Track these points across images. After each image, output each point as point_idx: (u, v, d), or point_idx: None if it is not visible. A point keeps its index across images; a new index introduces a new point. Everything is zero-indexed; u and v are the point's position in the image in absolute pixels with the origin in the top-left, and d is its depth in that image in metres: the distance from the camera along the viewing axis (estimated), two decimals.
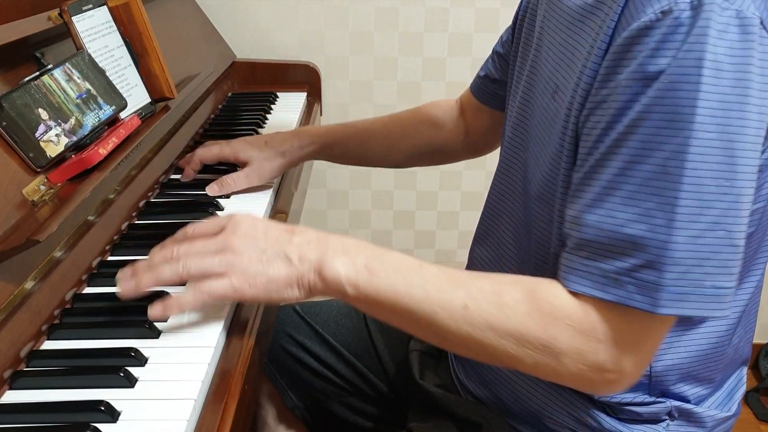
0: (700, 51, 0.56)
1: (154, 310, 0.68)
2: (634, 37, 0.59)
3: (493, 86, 1.02)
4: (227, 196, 1.04)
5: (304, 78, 1.68)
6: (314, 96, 1.66)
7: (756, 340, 2.02)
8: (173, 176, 1.11)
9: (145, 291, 0.69)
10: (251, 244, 0.68)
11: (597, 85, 0.63)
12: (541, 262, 0.78)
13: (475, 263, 0.92)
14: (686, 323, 0.73)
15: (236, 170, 1.05)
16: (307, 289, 0.68)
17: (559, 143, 0.70)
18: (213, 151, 1.07)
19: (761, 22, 0.58)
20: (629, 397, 0.76)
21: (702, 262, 0.59)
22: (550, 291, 0.64)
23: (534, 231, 0.78)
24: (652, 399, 0.76)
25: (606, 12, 0.64)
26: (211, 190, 1.02)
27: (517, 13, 0.92)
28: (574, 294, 0.63)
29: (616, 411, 0.77)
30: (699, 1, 0.57)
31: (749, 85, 0.58)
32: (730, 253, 0.60)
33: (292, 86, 1.65)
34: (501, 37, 1.01)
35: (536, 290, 0.64)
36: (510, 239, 0.84)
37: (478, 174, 1.86)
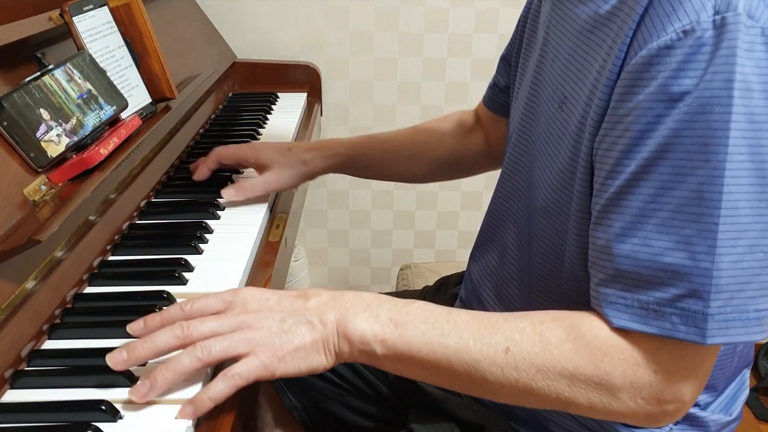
0: (729, 72, 0.55)
1: (185, 413, 0.61)
2: (654, 56, 0.58)
3: (503, 95, 1.01)
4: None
5: (305, 78, 1.69)
6: (314, 96, 1.66)
7: None
8: (174, 176, 1.11)
9: (163, 390, 0.62)
10: (268, 316, 0.64)
11: (614, 104, 0.61)
12: (543, 272, 0.77)
13: (473, 281, 0.92)
14: None
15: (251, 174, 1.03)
16: (333, 354, 0.65)
17: (570, 158, 0.69)
18: (231, 150, 1.03)
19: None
20: None
21: (743, 286, 0.57)
22: (594, 325, 0.61)
23: (536, 241, 0.78)
24: None
25: (620, 25, 0.63)
26: (226, 193, 0.99)
27: (520, 18, 0.92)
28: (618, 328, 0.61)
29: None
30: (722, 21, 0.55)
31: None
32: None
33: (293, 86, 1.66)
34: (507, 45, 1.00)
35: (579, 326, 0.62)
36: (513, 244, 0.84)
37: (488, 171, 1.86)
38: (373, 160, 1.06)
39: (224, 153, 1.03)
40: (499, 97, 1.02)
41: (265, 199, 1.03)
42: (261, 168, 1.01)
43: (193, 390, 0.63)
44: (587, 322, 0.62)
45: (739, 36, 0.55)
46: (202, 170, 1.04)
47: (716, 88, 0.55)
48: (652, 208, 0.58)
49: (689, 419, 0.77)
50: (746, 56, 0.55)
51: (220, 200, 1.01)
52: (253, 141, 1.06)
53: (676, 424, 0.77)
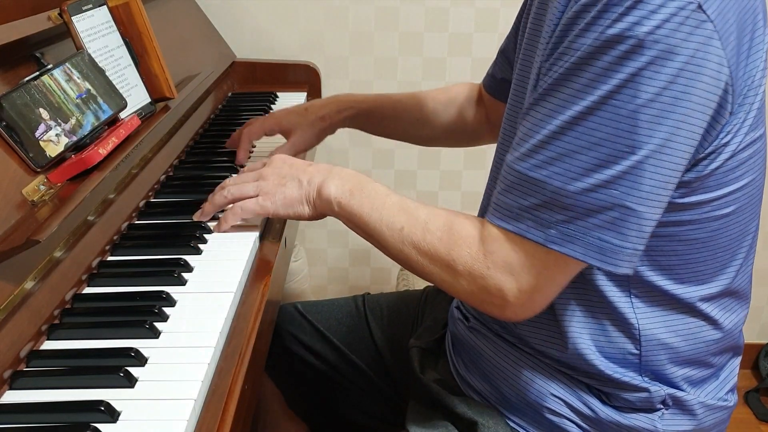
0: (626, 28, 0.61)
1: (216, 226, 0.92)
2: (578, 12, 0.65)
3: (496, 83, 1.06)
4: None
5: (304, 78, 1.68)
6: (314, 96, 1.66)
7: (756, 340, 2.02)
8: (173, 176, 1.11)
9: (210, 213, 0.93)
10: (277, 172, 0.87)
11: (546, 56, 0.69)
12: None
13: None
14: (665, 300, 0.76)
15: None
16: (312, 206, 0.85)
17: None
18: (256, 125, 1.13)
19: (699, 6, 0.60)
20: (623, 378, 0.77)
21: (591, 213, 0.65)
22: (464, 222, 0.75)
23: None
24: (646, 383, 0.77)
25: None
26: (255, 166, 1.05)
27: (519, 13, 0.93)
28: (484, 226, 0.72)
29: (611, 398, 0.78)
30: None
31: (669, 65, 0.61)
32: (623, 214, 0.65)
33: (292, 86, 1.65)
34: (505, 39, 1.02)
35: (454, 221, 0.75)
36: None
37: (478, 174, 1.86)
38: (383, 118, 1.15)
39: (253, 131, 1.14)
40: (493, 82, 1.07)
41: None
42: (286, 133, 1.13)
43: (193, 387, 0.63)
44: (460, 219, 0.75)
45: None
46: (242, 156, 1.14)
47: (610, 40, 0.62)
48: (535, 130, 0.68)
49: (679, 404, 0.79)
50: (648, 16, 0.60)
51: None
52: (272, 111, 1.16)
53: (667, 408, 0.78)
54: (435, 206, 0.79)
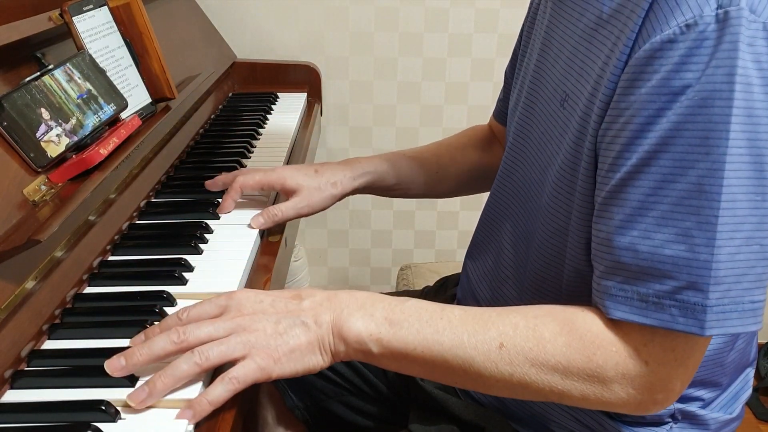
0: (731, 66, 0.56)
1: (184, 415, 0.61)
2: (657, 50, 0.58)
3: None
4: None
5: (305, 78, 1.69)
6: (314, 96, 1.66)
7: None
8: (174, 176, 1.11)
9: (161, 395, 0.62)
10: (263, 318, 0.65)
11: (616, 98, 0.62)
12: (540, 272, 0.77)
13: (470, 280, 0.92)
14: None
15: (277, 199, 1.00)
16: (329, 354, 0.66)
17: (572, 155, 0.69)
18: (256, 177, 0.97)
19: (763, 26, 0.57)
20: None
21: (740, 278, 0.58)
22: (588, 319, 0.63)
23: (535, 240, 0.78)
24: None
25: (624, 22, 0.63)
26: (255, 222, 0.94)
27: (523, 24, 0.92)
28: (613, 320, 0.62)
29: (620, 414, 0.77)
30: (725, 15, 0.56)
31: None
32: (764, 266, 0.59)
33: (293, 86, 1.66)
34: (512, 56, 1.00)
35: (573, 320, 0.63)
36: (509, 244, 0.84)
37: None
38: (401, 178, 1.04)
39: (248, 182, 0.98)
40: (506, 110, 1.02)
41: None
42: (289, 193, 0.98)
43: (193, 390, 0.63)
44: (580, 316, 0.63)
45: (741, 30, 0.56)
46: (228, 203, 0.98)
47: (718, 82, 0.56)
48: (652, 201, 0.59)
49: (689, 417, 0.77)
50: (748, 50, 0.56)
51: (220, 200, 1.01)
52: (277, 166, 1.01)
53: (676, 422, 0.77)
54: (516, 307, 0.66)
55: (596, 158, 0.66)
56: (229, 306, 0.66)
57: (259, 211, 0.96)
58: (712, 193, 0.57)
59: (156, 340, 0.63)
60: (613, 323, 0.62)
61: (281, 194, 1.00)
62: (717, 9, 0.56)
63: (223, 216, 0.98)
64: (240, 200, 1.00)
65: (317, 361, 0.65)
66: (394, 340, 0.64)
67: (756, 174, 0.57)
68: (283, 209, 0.95)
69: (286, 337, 0.64)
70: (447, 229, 1.94)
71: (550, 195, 0.74)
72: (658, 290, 0.59)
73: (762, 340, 2.02)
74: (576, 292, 0.72)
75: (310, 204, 0.97)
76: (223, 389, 0.62)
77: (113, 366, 0.63)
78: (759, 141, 0.57)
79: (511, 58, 0.99)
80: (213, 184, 1.03)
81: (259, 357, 0.63)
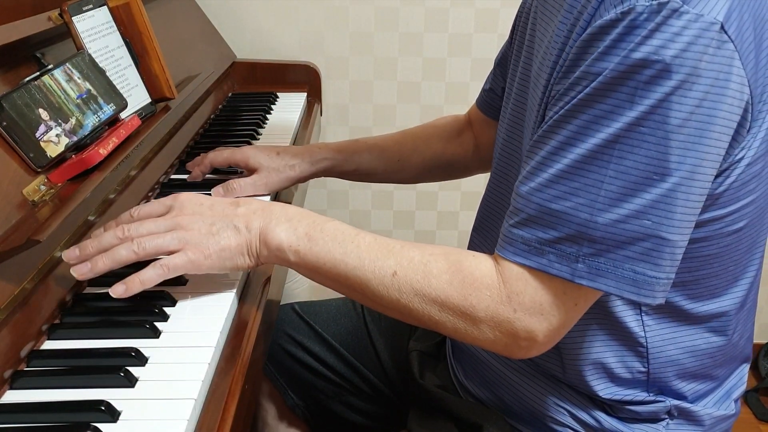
0: (650, 52, 0.59)
1: (116, 290, 0.71)
2: (595, 34, 0.62)
3: (497, 99, 1.02)
4: None
5: (304, 78, 1.68)
6: (314, 96, 1.66)
7: (756, 340, 2.02)
8: (174, 176, 1.11)
9: (101, 272, 0.72)
10: (200, 219, 0.73)
11: (559, 78, 0.66)
12: None
13: (475, 249, 0.92)
14: (676, 318, 0.74)
15: (242, 175, 1.05)
16: (255, 256, 0.73)
17: (531, 136, 0.72)
18: (224, 154, 1.06)
19: (722, 27, 0.59)
20: (629, 395, 0.76)
21: (622, 245, 0.62)
22: (474, 263, 0.68)
23: None
24: (651, 397, 0.77)
25: (581, 11, 0.66)
26: (215, 193, 1.01)
27: (515, 21, 0.92)
28: (499, 265, 0.67)
29: (616, 410, 0.77)
30: (659, 5, 0.58)
31: (695, 88, 0.59)
32: (656, 244, 0.62)
33: (293, 86, 1.65)
34: (501, 49, 1.01)
35: (461, 261, 0.69)
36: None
37: (478, 174, 1.86)
38: (360, 165, 1.08)
39: (217, 158, 1.07)
40: (493, 100, 1.03)
41: (264, 200, 1.03)
42: (251, 171, 1.04)
43: (194, 387, 0.63)
44: (470, 260, 0.69)
45: (670, 21, 0.58)
46: (196, 173, 1.07)
47: (634, 65, 0.59)
48: (553, 159, 0.64)
49: (684, 414, 0.78)
50: (671, 39, 0.58)
51: None
52: (245, 145, 1.08)
53: (672, 419, 0.77)
54: (418, 243, 0.72)
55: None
56: (173, 206, 0.75)
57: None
58: (603, 162, 0.61)
59: (104, 236, 0.73)
60: (497, 270, 0.67)
61: (245, 169, 1.07)
62: (653, 0, 0.59)
63: None
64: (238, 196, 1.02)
65: (244, 261, 0.74)
66: (309, 254, 0.71)
67: (658, 155, 0.60)
68: (241, 184, 1.01)
69: (218, 237, 0.73)
70: (447, 229, 1.94)
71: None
72: (540, 237, 0.64)
73: (762, 340, 2.02)
74: None
75: (267, 183, 1.03)
76: (153, 272, 0.71)
77: (69, 254, 0.73)
78: (667, 125, 0.60)
79: (500, 53, 1.00)
80: (192, 165, 1.09)
81: (191, 252, 0.72)
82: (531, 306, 0.65)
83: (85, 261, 0.72)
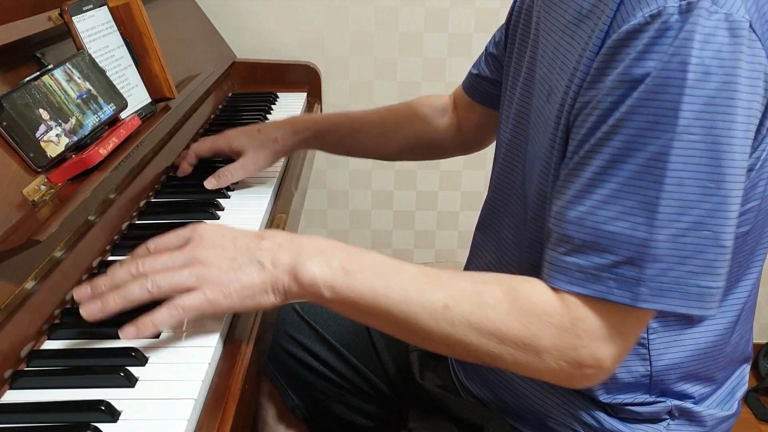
0: (686, 54, 0.57)
1: (126, 332, 0.65)
2: (623, 39, 0.60)
3: (485, 84, 1.02)
4: (227, 195, 1.04)
5: (305, 78, 1.69)
6: (314, 96, 1.66)
7: (756, 340, 2.02)
8: (173, 176, 1.11)
9: (112, 313, 0.66)
10: (220, 254, 0.67)
11: (586, 86, 0.64)
12: (535, 263, 0.77)
13: (478, 249, 0.92)
14: (683, 322, 0.74)
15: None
16: (282, 294, 0.67)
17: (550, 144, 0.71)
18: (207, 142, 1.07)
19: (750, 25, 0.58)
20: (630, 398, 0.76)
21: (684, 260, 0.60)
22: (530, 289, 0.65)
23: (528, 231, 0.78)
24: (653, 399, 0.77)
25: (599, 15, 0.65)
26: (209, 183, 1.02)
27: (509, 14, 0.92)
28: (556, 291, 0.64)
29: (617, 411, 0.77)
30: (688, 6, 0.57)
31: (737, 88, 0.58)
32: (716, 253, 0.60)
33: (293, 86, 1.66)
34: (493, 37, 1.01)
35: (516, 288, 0.65)
36: (511, 240, 0.84)
37: (478, 174, 1.86)
38: (342, 136, 1.08)
39: (201, 147, 1.07)
40: (481, 85, 1.03)
41: (264, 200, 1.03)
42: (237, 154, 1.05)
43: (194, 387, 0.63)
44: (524, 286, 0.65)
45: (700, 21, 0.57)
46: (183, 166, 1.07)
47: (672, 70, 0.58)
48: (601, 179, 0.61)
49: (685, 414, 0.77)
50: (705, 40, 0.57)
51: (220, 200, 1.01)
52: (226, 130, 1.10)
53: (673, 419, 0.77)
54: (465, 272, 0.68)
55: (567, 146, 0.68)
56: (192, 238, 0.69)
57: (254, 210, 0.97)
58: (656, 176, 0.59)
59: (117, 271, 0.67)
60: (555, 296, 0.63)
61: (231, 154, 1.07)
62: (681, 0, 0.58)
63: (222, 216, 0.98)
64: (222, 186, 1.04)
65: (268, 299, 0.67)
66: (347, 289, 0.65)
67: (711, 161, 0.58)
68: (231, 170, 1.01)
69: (239, 273, 0.66)
70: (447, 229, 1.94)
71: (536, 186, 0.75)
72: (597, 263, 0.61)
73: (762, 340, 2.02)
74: None
75: (255, 162, 1.03)
76: (167, 314, 0.65)
77: (80, 292, 0.67)
78: (715, 129, 0.58)
79: (496, 38, 0.99)
80: (182, 171, 1.09)
81: (209, 290, 0.65)
82: (596, 331, 0.62)
83: (96, 297, 0.66)
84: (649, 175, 0.59)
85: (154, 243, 0.70)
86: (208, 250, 0.67)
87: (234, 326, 0.75)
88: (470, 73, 1.06)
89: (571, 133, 0.66)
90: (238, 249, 0.67)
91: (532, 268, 0.79)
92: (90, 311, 0.65)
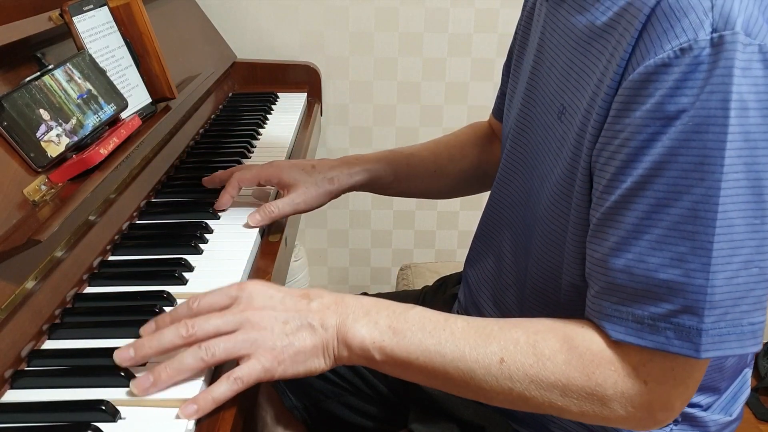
0: (725, 91, 0.55)
1: (187, 410, 0.61)
2: (651, 74, 0.58)
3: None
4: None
5: (305, 78, 1.69)
6: (314, 96, 1.66)
7: None
8: (174, 176, 1.11)
9: (165, 386, 0.63)
10: (272, 316, 0.65)
11: (611, 119, 0.62)
12: (540, 281, 0.77)
13: (478, 258, 0.92)
14: None
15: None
16: (332, 358, 0.66)
17: (569, 169, 0.69)
18: (253, 172, 0.98)
19: (760, 48, 0.56)
20: None
21: (738, 301, 0.58)
22: (587, 337, 0.63)
23: (534, 250, 0.78)
24: None
25: (618, 39, 0.62)
26: (252, 219, 0.94)
27: (517, 25, 0.92)
28: (611, 339, 0.62)
29: None
30: (720, 38, 0.55)
31: None
32: (763, 288, 0.59)
33: (293, 86, 1.66)
34: (509, 51, 1.00)
35: (573, 337, 0.63)
36: (510, 251, 0.84)
37: None
38: (398, 176, 1.03)
39: (245, 176, 0.99)
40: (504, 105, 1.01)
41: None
42: (285, 188, 0.98)
43: (193, 388, 0.63)
44: (581, 334, 0.63)
45: (736, 55, 0.55)
46: (225, 199, 0.98)
47: (712, 107, 0.56)
48: (647, 225, 0.59)
49: (689, 419, 0.77)
50: (743, 74, 0.55)
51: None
52: (274, 160, 1.02)
53: (676, 424, 0.77)
54: (515, 319, 0.66)
55: (591, 176, 0.66)
56: (240, 298, 0.66)
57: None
58: (706, 219, 0.56)
59: (165, 333, 0.64)
60: (612, 342, 0.62)
61: (278, 189, 1.00)
62: (712, 33, 0.55)
63: (223, 216, 0.98)
64: (239, 199, 1.00)
65: (319, 364, 0.66)
66: (397, 349, 0.65)
67: (754, 198, 0.57)
68: (279, 206, 0.95)
69: (292, 338, 0.64)
70: (447, 229, 1.94)
71: (546, 206, 0.74)
72: (653, 313, 0.59)
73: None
74: (574, 304, 0.72)
75: (306, 200, 0.96)
76: (227, 388, 0.62)
77: (122, 356, 0.64)
78: (757, 165, 0.56)
79: (507, 56, 0.98)
80: (210, 181, 1.03)
81: (264, 357, 0.63)
82: (659, 377, 0.60)
83: (140, 361, 0.64)
84: (697, 218, 0.57)
85: (197, 301, 0.67)
86: (259, 311, 0.65)
87: None
88: (497, 97, 1.04)
89: (597, 169, 0.64)
90: (289, 310, 0.66)
91: (529, 281, 0.79)
92: (142, 386, 0.62)
